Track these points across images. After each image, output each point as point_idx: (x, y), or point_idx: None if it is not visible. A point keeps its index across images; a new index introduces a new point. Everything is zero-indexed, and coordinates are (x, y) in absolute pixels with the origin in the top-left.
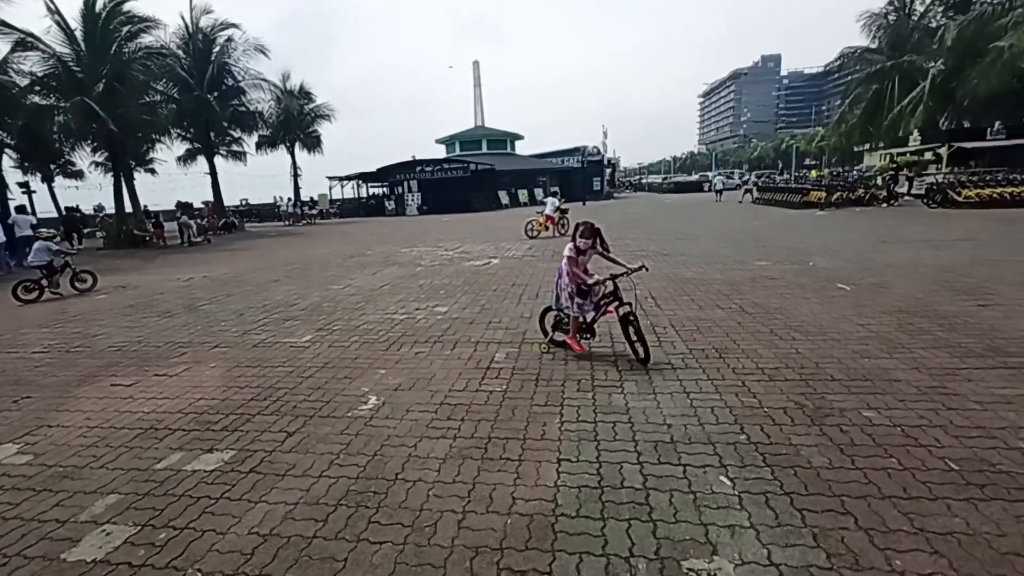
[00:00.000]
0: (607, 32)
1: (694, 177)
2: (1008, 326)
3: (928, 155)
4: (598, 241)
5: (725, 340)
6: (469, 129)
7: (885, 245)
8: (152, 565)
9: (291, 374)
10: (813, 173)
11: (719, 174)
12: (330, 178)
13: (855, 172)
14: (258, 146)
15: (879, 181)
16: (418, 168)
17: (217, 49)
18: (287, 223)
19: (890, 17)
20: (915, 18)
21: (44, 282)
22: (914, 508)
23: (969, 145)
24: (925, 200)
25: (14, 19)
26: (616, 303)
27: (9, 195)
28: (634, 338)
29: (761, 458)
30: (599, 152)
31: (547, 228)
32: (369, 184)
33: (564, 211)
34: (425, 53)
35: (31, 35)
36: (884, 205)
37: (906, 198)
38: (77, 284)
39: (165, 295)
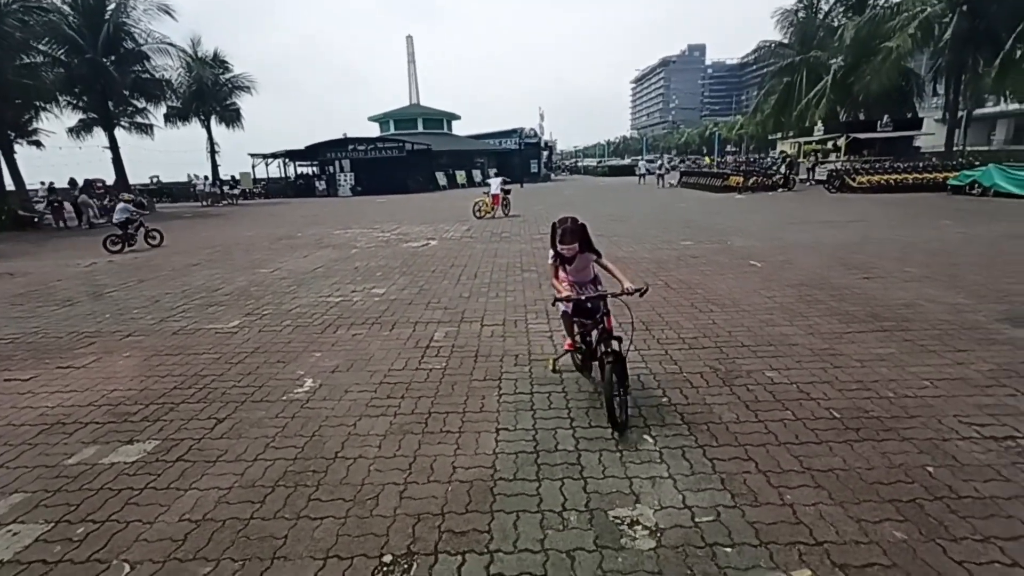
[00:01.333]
0: (545, 13)
1: (627, 161)
2: (886, 296)
3: (829, 144)
4: (587, 244)
5: (651, 314)
6: (404, 107)
7: (792, 226)
8: (71, 560)
9: (218, 360)
10: (706, 160)
11: (641, 159)
12: (253, 155)
13: (769, 159)
14: (167, 118)
15: (782, 168)
16: (350, 147)
17: (112, 6)
18: (205, 203)
19: (800, 15)
20: (821, 16)
21: (127, 236)
22: (803, 451)
23: (863, 136)
24: (826, 185)
25: None
26: (601, 334)
27: None
28: (613, 390)
29: (680, 417)
30: (536, 134)
31: (493, 208)
32: (297, 163)
33: (507, 191)
34: (355, 26)
35: None
36: (781, 190)
37: (809, 184)
38: (150, 240)
39: (63, 282)
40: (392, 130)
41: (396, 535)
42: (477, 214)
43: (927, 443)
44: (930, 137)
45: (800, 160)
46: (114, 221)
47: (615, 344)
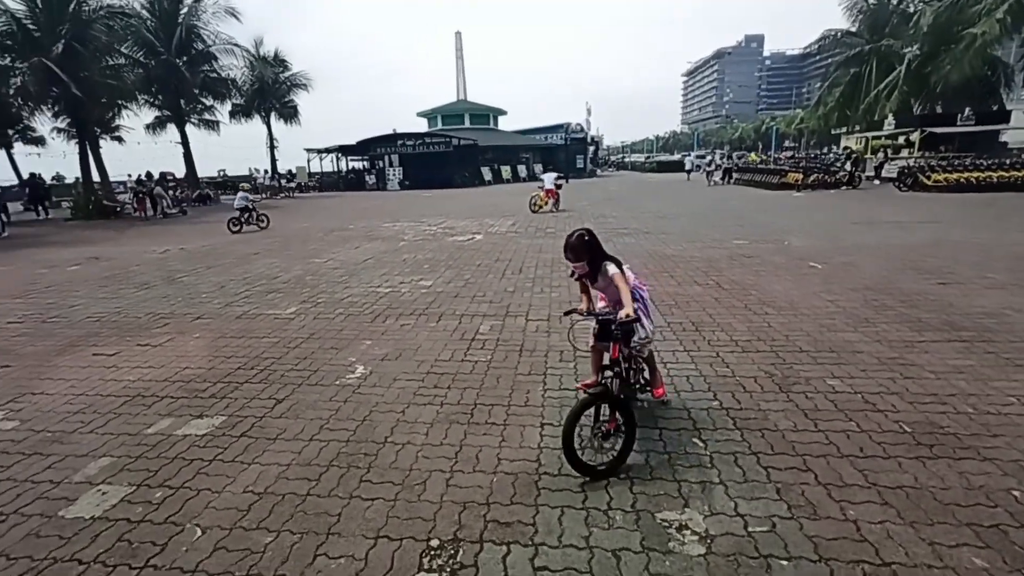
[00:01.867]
0: (594, 4)
1: (676, 157)
2: (964, 303)
3: (901, 139)
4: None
5: (701, 314)
6: (452, 103)
7: (857, 226)
8: (151, 521)
9: (277, 344)
10: (752, 156)
11: (690, 155)
12: (308, 150)
13: (831, 155)
14: (232, 115)
15: (846, 165)
16: (399, 142)
17: (185, 10)
18: (264, 196)
19: (871, 1)
20: (894, 2)
21: (243, 219)
22: (869, 465)
23: (940, 130)
24: (897, 183)
25: None
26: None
27: None
28: (572, 424)
29: (732, 422)
30: (583, 129)
31: (547, 203)
32: (349, 157)
33: (559, 186)
34: (404, 20)
35: None
36: (845, 188)
37: (876, 181)
38: (259, 223)
39: (141, 267)
40: (440, 125)
41: (443, 521)
42: (533, 208)
43: (1013, 465)
44: (1019, 131)
45: (867, 156)
46: (235, 207)
47: (606, 374)
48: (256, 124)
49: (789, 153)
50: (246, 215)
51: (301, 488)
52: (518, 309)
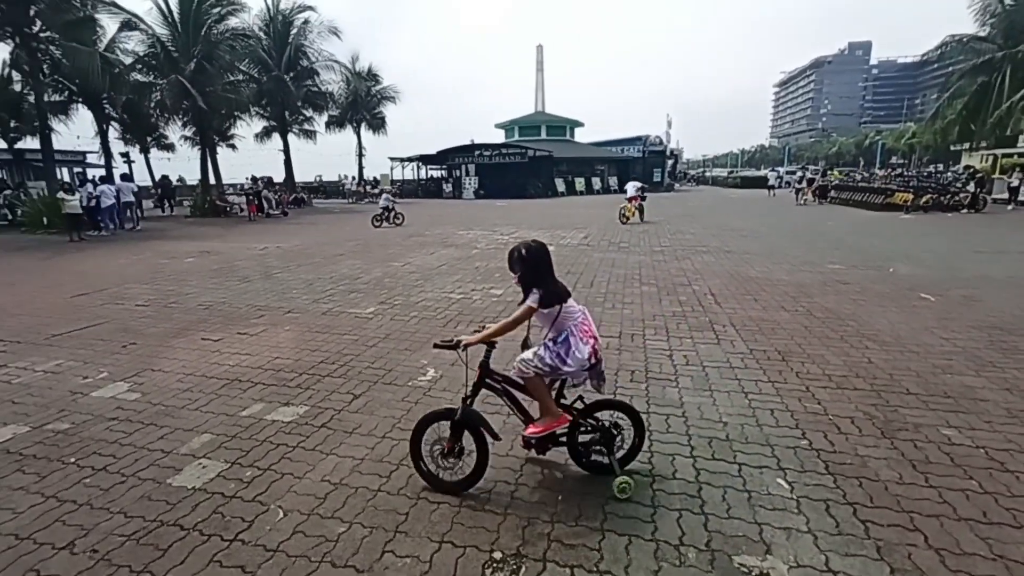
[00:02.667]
0: (677, 12)
1: (763, 172)
2: None
3: None
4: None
5: (789, 343)
6: (529, 115)
7: (980, 255)
8: (241, 498)
9: (356, 342)
10: (834, 173)
11: (772, 171)
12: (392, 159)
13: (949, 174)
14: (327, 125)
15: (969, 185)
16: (476, 152)
17: (295, 31)
18: (350, 200)
19: (1007, 2)
20: None
21: (384, 217)
22: (995, 534)
23: None
24: None
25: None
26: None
27: (113, 163)
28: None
29: (823, 465)
30: (661, 142)
31: (634, 213)
32: (428, 166)
33: (643, 197)
34: (489, 34)
35: (135, 16)
36: (966, 211)
37: (1011, 205)
38: (395, 221)
39: (244, 262)
40: (517, 137)
41: (506, 534)
42: (623, 219)
43: None
44: None
45: (995, 176)
46: (380, 206)
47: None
48: (347, 134)
49: (891, 170)
50: (388, 213)
51: (373, 483)
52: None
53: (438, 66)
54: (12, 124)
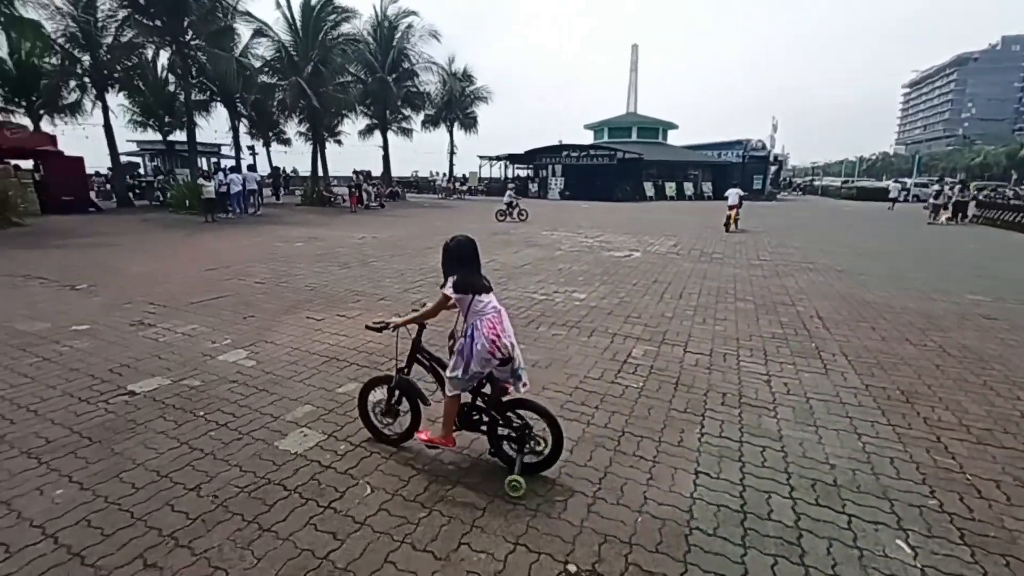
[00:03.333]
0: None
1: (885, 183)
2: None
3: None
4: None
5: (915, 383)
6: (620, 116)
7: None
8: (334, 469)
9: (442, 334)
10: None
11: (904, 181)
12: (481, 157)
13: None
14: (423, 124)
15: None
16: (564, 153)
17: (399, 35)
18: (440, 196)
19: None
20: None
21: (508, 212)
22: None
23: None
24: None
25: (254, 11)
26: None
27: (241, 155)
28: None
29: (957, 533)
30: (764, 147)
31: (735, 222)
32: (515, 165)
33: (739, 205)
34: (581, 33)
35: (266, 24)
36: None
37: None
38: (520, 217)
39: (344, 249)
40: (606, 138)
41: (581, 548)
42: (727, 228)
43: None
44: None
45: None
46: (504, 201)
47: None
48: (440, 132)
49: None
50: (511, 209)
51: (452, 474)
52: (676, 338)
53: (531, 67)
54: (166, 119)
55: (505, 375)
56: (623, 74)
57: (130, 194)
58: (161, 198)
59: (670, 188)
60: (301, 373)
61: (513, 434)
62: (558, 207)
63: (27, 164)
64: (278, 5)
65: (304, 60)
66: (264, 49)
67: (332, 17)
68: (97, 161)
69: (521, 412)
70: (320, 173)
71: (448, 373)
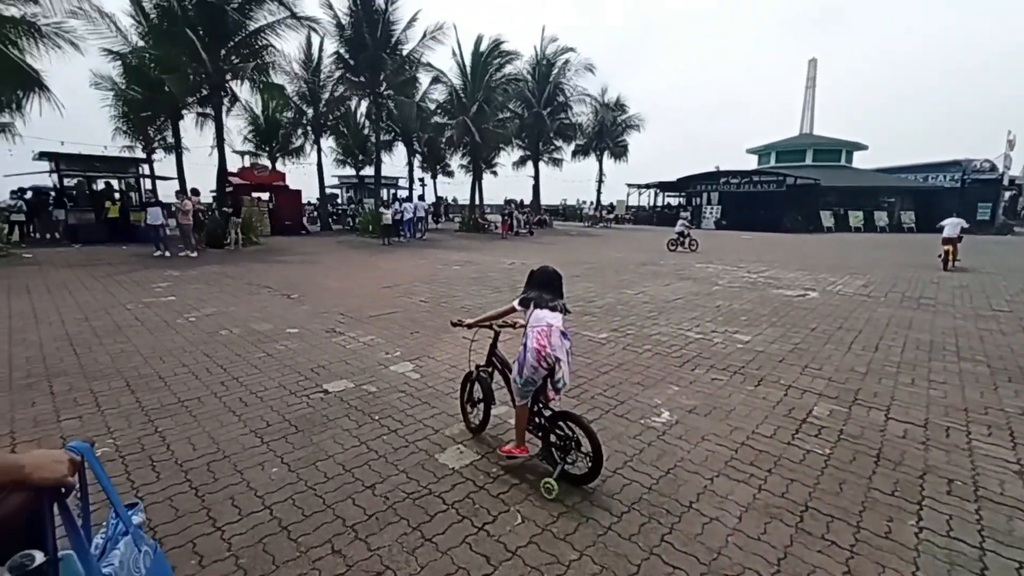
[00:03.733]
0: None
1: None
2: None
3: None
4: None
5: None
6: (792, 138)
7: None
8: (487, 491)
9: (589, 366)
10: None
11: None
12: (629, 185)
13: None
14: (573, 154)
15: None
16: (722, 179)
17: (555, 71)
18: (586, 224)
19: None
20: None
21: (679, 242)
22: None
23: None
24: None
25: (433, 61)
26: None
27: (414, 186)
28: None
29: None
30: (992, 168)
31: (954, 257)
32: (666, 193)
33: (960, 238)
34: (740, 55)
35: (442, 72)
36: None
37: None
38: (691, 247)
39: (495, 274)
40: (773, 163)
41: None
42: (944, 265)
43: None
44: None
45: None
46: (675, 231)
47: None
48: (588, 161)
49: None
50: (683, 239)
51: (603, 519)
52: (872, 399)
53: (685, 91)
54: (359, 157)
55: (551, 385)
56: (792, 93)
57: (330, 219)
58: (352, 223)
59: (855, 218)
60: (457, 390)
61: (559, 443)
62: (714, 237)
63: (264, 195)
64: (453, 54)
65: (471, 100)
66: (438, 94)
67: (497, 60)
68: (308, 192)
69: (572, 424)
70: (476, 202)
71: (512, 377)
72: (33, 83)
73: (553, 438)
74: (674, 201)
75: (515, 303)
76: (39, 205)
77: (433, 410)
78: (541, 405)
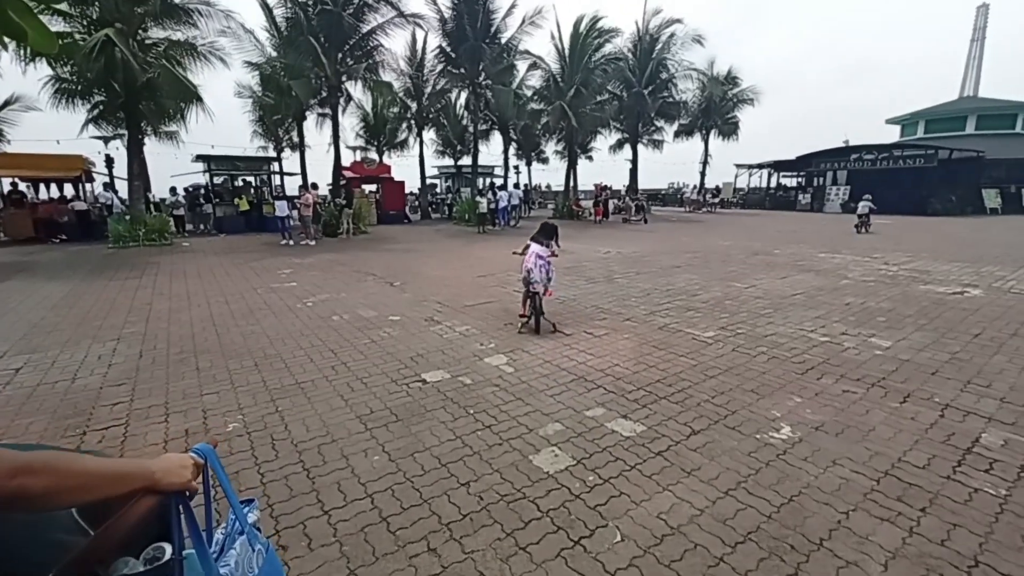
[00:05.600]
0: None
1: None
2: None
3: None
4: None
5: None
6: (949, 103)
7: None
8: (584, 501)
9: (695, 368)
10: None
11: None
12: (738, 166)
13: None
14: (676, 135)
15: None
16: (852, 156)
17: (660, 46)
18: (688, 209)
19: None
20: None
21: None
22: None
23: None
24: None
25: (531, 47)
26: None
27: (509, 174)
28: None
29: None
30: None
31: None
32: (782, 173)
33: None
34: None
35: (539, 58)
36: None
37: None
38: (867, 230)
39: (589, 264)
40: (921, 133)
41: None
42: None
43: None
44: None
45: None
46: (858, 213)
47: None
48: (693, 141)
49: None
50: (866, 220)
51: (715, 547)
52: None
53: (813, 54)
54: (458, 148)
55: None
56: (959, 48)
57: (430, 208)
58: (449, 212)
59: None
60: (552, 388)
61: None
62: (839, 221)
63: (372, 187)
64: (552, 37)
65: (568, 84)
66: (535, 80)
67: (596, 40)
68: (411, 183)
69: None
70: (571, 188)
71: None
72: (192, 96)
73: (530, 317)
74: (791, 183)
75: (528, 240)
76: (192, 200)
77: (527, 407)
78: (535, 292)
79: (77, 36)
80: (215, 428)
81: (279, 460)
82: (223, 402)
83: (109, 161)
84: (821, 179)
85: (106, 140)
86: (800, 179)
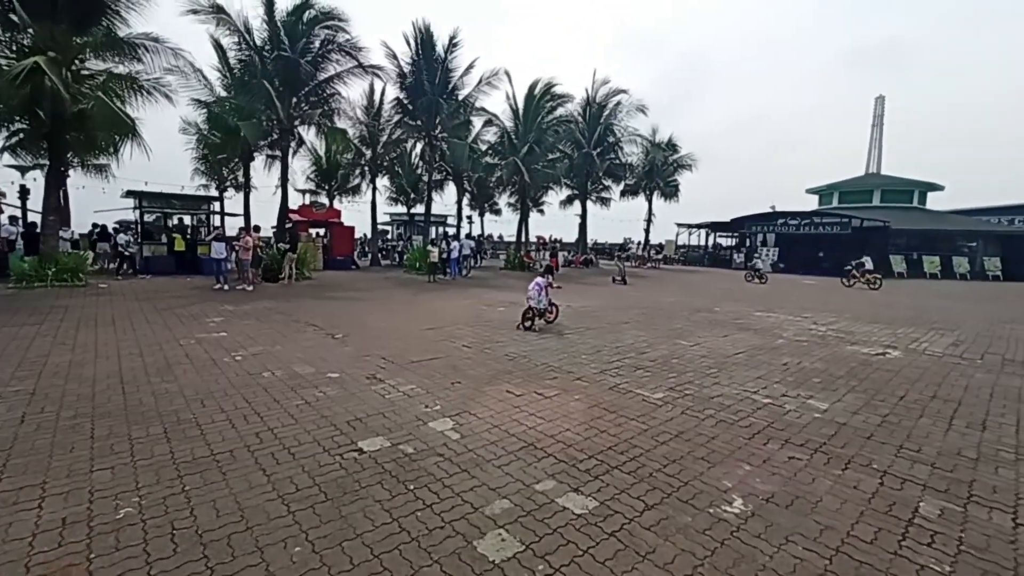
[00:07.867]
0: None
1: None
2: None
3: None
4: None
5: None
6: (857, 177)
7: None
8: None
9: (645, 432)
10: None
11: None
12: (679, 224)
13: None
14: (622, 194)
15: None
16: (779, 220)
17: (607, 112)
18: (633, 264)
19: None
20: None
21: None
22: None
23: None
24: None
25: (487, 105)
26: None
27: (462, 224)
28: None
29: None
30: None
31: None
32: (718, 233)
33: None
34: (800, 93)
35: (495, 115)
36: None
37: None
38: (874, 286)
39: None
40: (835, 203)
41: None
42: None
43: None
44: None
45: None
46: (854, 261)
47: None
48: (638, 200)
49: None
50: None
51: None
52: (994, 497)
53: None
54: (411, 196)
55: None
56: (856, 132)
57: (380, 254)
58: (399, 259)
59: (931, 263)
60: (500, 457)
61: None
62: (771, 281)
63: (320, 231)
64: (507, 98)
65: (522, 142)
66: (490, 135)
67: (549, 104)
68: (362, 228)
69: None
70: (523, 240)
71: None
72: (128, 130)
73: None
74: (726, 242)
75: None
76: (104, 236)
77: (473, 481)
78: (534, 310)
79: (3, 61)
80: (102, 515)
81: (176, 556)
82: (117, 480)
83: (24, 192)
84: (752, 239)
85: (23, 170)
86: (734, 239)
